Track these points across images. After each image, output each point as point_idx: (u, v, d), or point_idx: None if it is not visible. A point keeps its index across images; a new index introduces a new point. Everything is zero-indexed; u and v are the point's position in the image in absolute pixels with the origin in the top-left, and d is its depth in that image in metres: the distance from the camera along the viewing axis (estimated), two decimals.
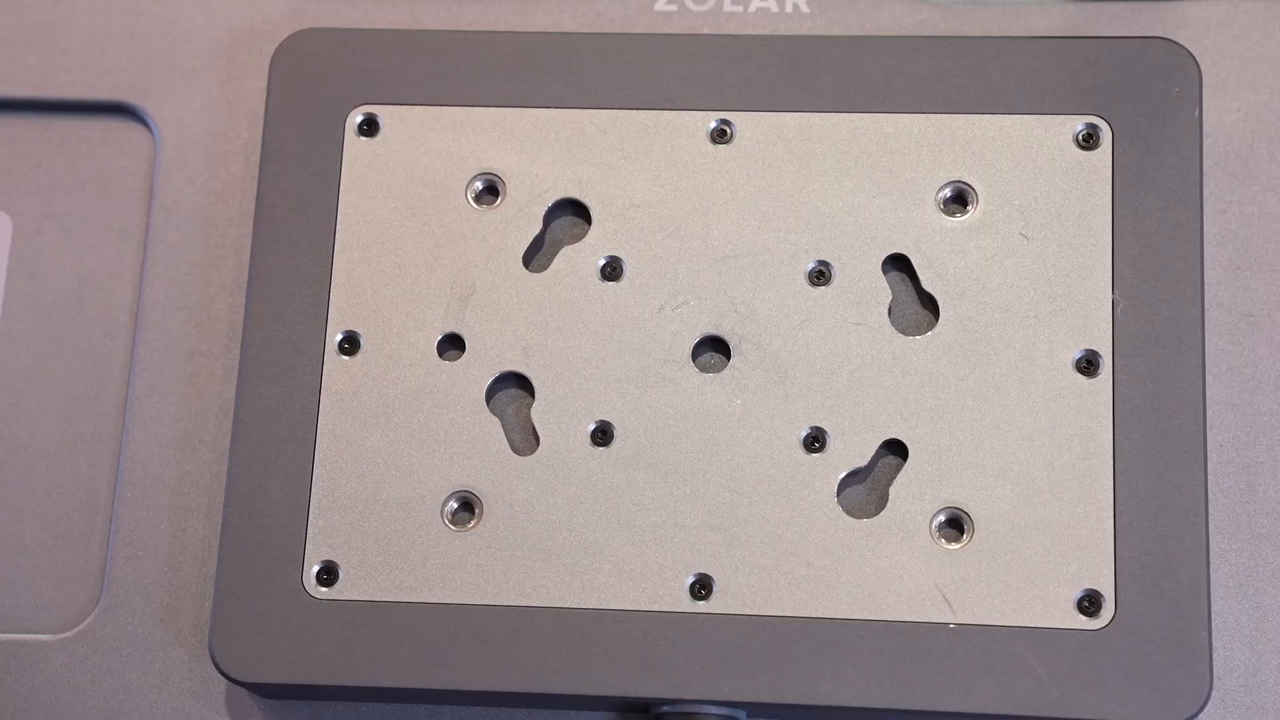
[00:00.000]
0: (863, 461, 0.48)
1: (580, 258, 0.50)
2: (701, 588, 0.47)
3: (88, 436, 0.52)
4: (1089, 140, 0.49)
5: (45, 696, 0.50)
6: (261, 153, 0.51)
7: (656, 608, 0.47)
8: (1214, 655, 0.46)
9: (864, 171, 0.49)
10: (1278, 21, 0.52)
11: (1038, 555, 0.46)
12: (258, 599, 0.48)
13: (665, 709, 0.47)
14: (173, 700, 0.49)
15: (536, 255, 0.50)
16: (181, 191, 0.53)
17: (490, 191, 0.51)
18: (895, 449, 0.48)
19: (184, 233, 0.53)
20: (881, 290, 0.49)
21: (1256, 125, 0.51)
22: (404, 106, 0.51)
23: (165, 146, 0.53)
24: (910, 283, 0.49)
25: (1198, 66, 0.49)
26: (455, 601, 0.47)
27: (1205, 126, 0.51)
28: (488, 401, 0.49)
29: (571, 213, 0.51)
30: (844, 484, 0.48)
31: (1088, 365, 0.48)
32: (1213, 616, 0.47)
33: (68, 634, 0.50)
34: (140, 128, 0.54)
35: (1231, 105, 0.51)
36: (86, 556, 0.51)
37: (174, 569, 0.50)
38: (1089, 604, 0.46)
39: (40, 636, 0.50)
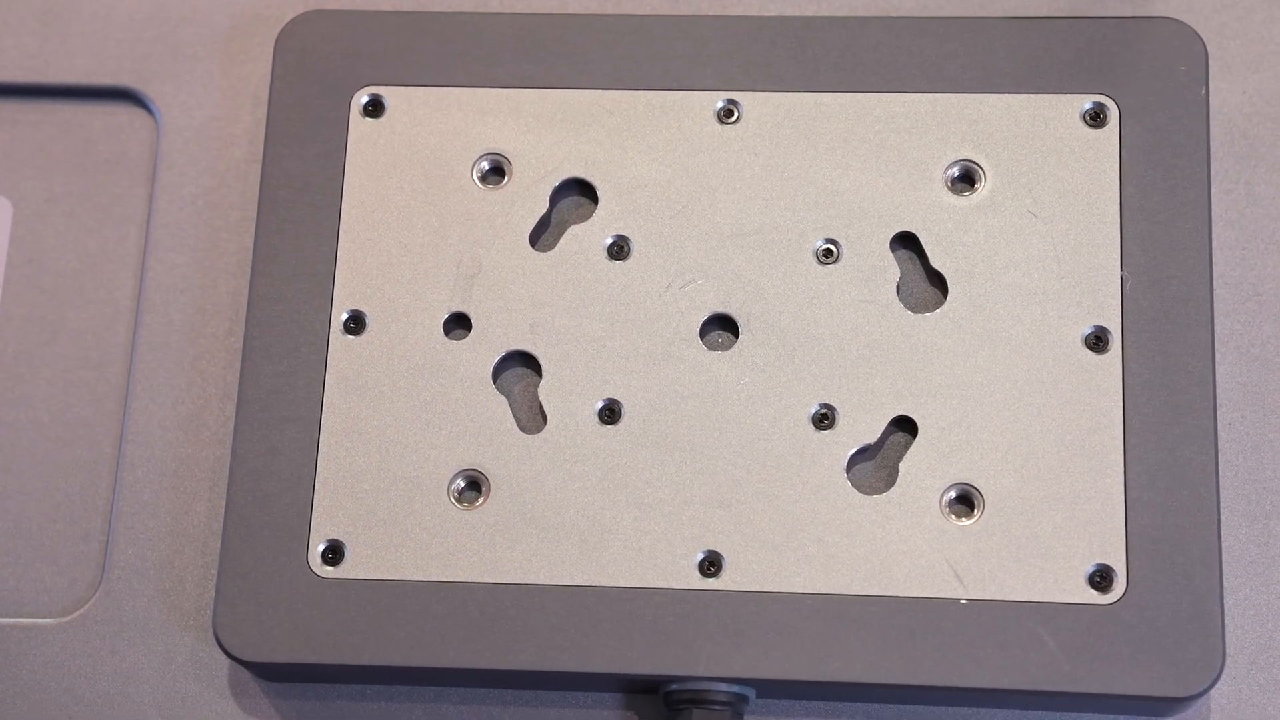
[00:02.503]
0: (872, 438, 0.48)
1: (587, 237, 0.50)
2: (711, 565, 0.47)
3: (89, 420, 0.51)
4: (1096, 119, 0.49)
5: (47, 680, 0.49)
6: (266, 134, 0.51)
7: (665, 585, 0.47)
8: (1225, 631, 0.46)
9: (871, 150, 0.49)
10: None
11: (1049, 531, 0.46)
12: (262, 578, 0.47)
13: (675, 687, 0.46)
14: (175, 683, 0.49)
15: (543, 235, 0.50)
16: (184, 175, 0.53)
17: (496, 171, 0.51)
18: (905, 425, 0.48)
19: (186, 216, 0.52)
20: (890, 268, 0.49)
21: (1262, 106, 0.51)
22: (409, 87, 0.51)
23: (167, 131, 0.53)
24: (919, 261, 0.49)
25: (1204, 46, 0.50)
26: (462, 580, 0.47)
27: (1211, 108, 0.51)
28: (494, 380, 0.49)
29: (578, 192, 0.51)
30: (853, 460, 0.48)
31: (1097, 341, 0.48)
32: (1224, 593, 0.47)
33: (69, 617, 0.50)
34: (142, 112, 0.54)
35: (1237, 87, 0.51)
36: (88, 540, 0.50)
37: (176, 551, 0.50)
38: (1100, 579, 0.46)
39: (42, 620, 0.50)
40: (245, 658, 0.47)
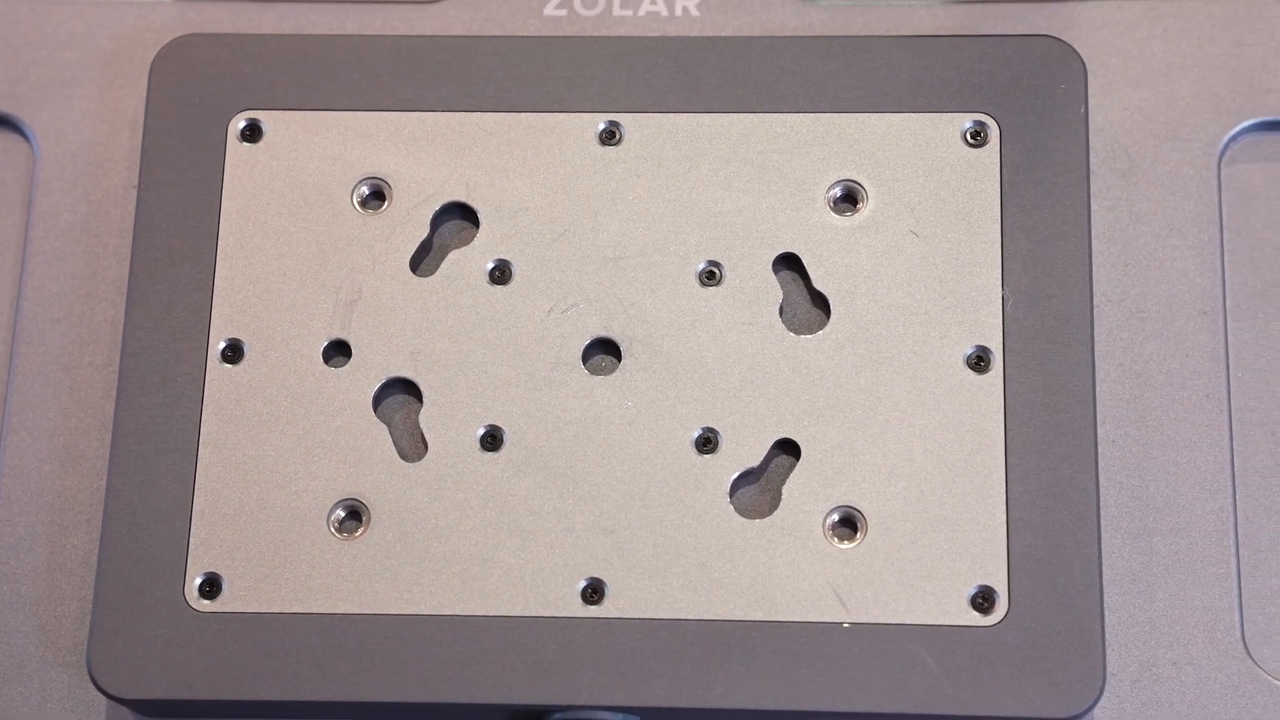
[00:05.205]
0: (755, 462, 0.47)
1: (468, 261, 0.49)
2: (593, 592, 0.46)
3: None
4: (977, 138, 0.49)
5: None
6: (141, 159, 0.50)
7: (548, 613, 0.46)
8: (1106, 650, 0.46)
9: (753, 171, 0.49)
10: (1162, 21, 0.52)
11: (931, 553, 0.46)
12: (138, 613, 0.46)
13: (558, 716, 0.46)
14: None
15: (424, 260, 0.50)
16: (60, 202, 0.52)
17: (376, 196, 0.50)
18: (788, 448, 0.48)
19: (63, 244, 0.52)
20: (772, 290, 0.49)
21: (1143, 123, 0.52)
22: (287, 111, 0.50)
23: (44, 157, 0.52)
24: (801, 282, 0.49)
25: (1083, 65, 0.50)
26: (343, 611, 0.46)
27: (1092, 125, 0.51)
28: (375, 408, 0.48)
29: (459, 216, 0.50)
30: (736, 484, 0.47)
31: (978, 361, 0.48)
32: (1105, 612, 0.47)
33: None
34: (18, 138, 0.53)
35: (1118, 103, 0.52)
36: None
37: (52, 587, 0.49)
38: (982, 600, 0.46)
39: None
40: (121, 695, 0.46)
